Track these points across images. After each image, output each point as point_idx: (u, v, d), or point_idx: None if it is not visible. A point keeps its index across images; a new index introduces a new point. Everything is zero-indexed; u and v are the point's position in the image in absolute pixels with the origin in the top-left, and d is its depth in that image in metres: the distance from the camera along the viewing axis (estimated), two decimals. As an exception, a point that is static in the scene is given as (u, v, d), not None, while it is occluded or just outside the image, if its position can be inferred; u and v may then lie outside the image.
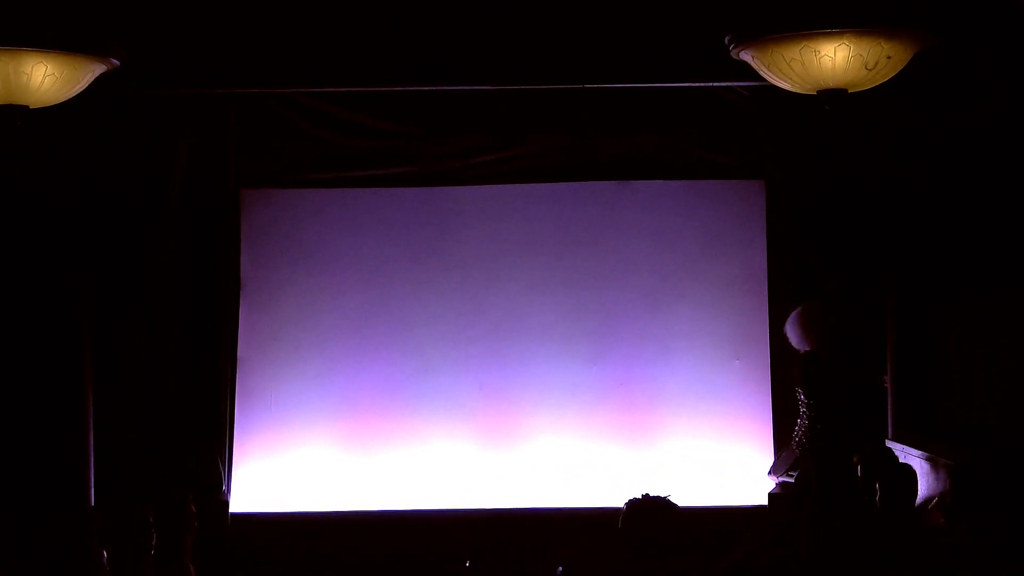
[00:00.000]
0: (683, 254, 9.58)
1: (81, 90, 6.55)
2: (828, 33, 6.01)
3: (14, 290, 8.61)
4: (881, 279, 9.02)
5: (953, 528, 6.68)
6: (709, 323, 9.53)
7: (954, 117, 8.29)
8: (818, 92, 6.24)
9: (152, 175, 8.89)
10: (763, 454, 9.36)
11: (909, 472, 7.00)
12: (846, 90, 6.21)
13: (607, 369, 9.53)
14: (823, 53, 6.04)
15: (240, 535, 9.13)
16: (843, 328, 8.91)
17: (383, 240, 9.59)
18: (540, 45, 7.75)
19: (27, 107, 6.39)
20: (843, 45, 6.01)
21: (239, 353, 9.41)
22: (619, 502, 6.60)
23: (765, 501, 8.80)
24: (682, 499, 6.46)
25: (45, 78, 6.27)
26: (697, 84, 8.48)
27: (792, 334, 8.94)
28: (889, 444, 8.49)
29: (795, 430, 8.90)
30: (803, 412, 8.79)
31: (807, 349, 8.90)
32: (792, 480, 8.71)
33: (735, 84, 8.59)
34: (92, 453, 8.61)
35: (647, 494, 6.40)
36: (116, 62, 6.52)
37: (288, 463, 9.47)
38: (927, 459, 7.94)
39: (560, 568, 6.44)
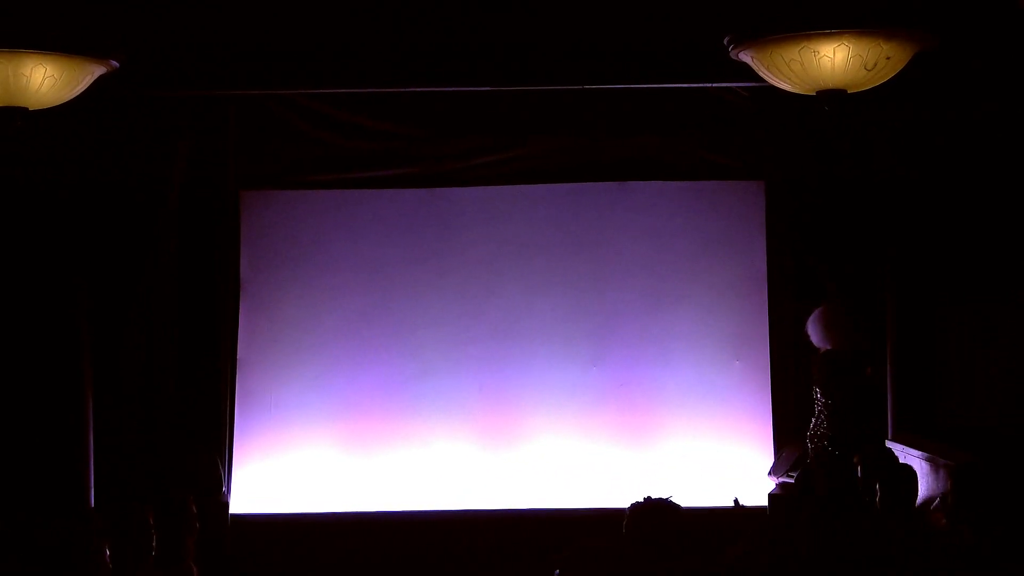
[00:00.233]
0: (683, 255, 9.57)
1: (80, 92, 6.55)
2: (827, 34, 6.01)
3: (14, 291, 8.62)
4: (881, 279, 9.02)
5: (954, 528, 6.68)
6: (709, 324, 9.53)
7: (954, 117, 8.30)
8: (818, 93, 6.24)
9: (151, 177, 8.90)
10: (763, 455, 9.35)
11: (909, 472, 7.00)
12: (845, 91, 6.21)
13: (607, 370, 9.53)
14: (822, 54, 6.04)
15: (240, 536, 9.13)
16: (864, 327, 8.90)
17: (383, 241, 9.59)
18: (540, 46, 7.76)
19: (27, 109, 6.39)
20: (842, 46, 6.01)
21: (239, 354, 9.41)
22: (620, 503, 6.60)
23: (765, 502, 8.79)
24: (682, 500, 6.46)
25: (45, 80, 6.27)
26: (697, 85, 8.49)
27: (814, 332, 8.92)
28: (889, 444, 8.49)
29: (809, 430, 8.85)
30: (819, 411, 8.76)
31: (828, 348, 8.87)
32: (792, 481, 8.71)
33: (735, 85, 8.59)
34: (92, 454, 8.61)
35: (649, 497, 6.40)
36: (115, 64, 6.52)
37: (288, 464, 9.47)
38: (927, 459, 7.93)
39: (557, 572, 6.43)
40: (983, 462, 7.40)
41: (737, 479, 9.35)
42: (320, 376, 9.53)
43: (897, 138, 8.67)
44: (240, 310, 9.45)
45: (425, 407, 9.50)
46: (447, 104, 9.23)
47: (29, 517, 6.68)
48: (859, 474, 7.26)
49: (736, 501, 8.34)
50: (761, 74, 6.37)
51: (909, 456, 8.00)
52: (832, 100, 6.20)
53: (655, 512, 6.31)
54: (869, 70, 6.08)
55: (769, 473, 9.16)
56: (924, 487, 7.48)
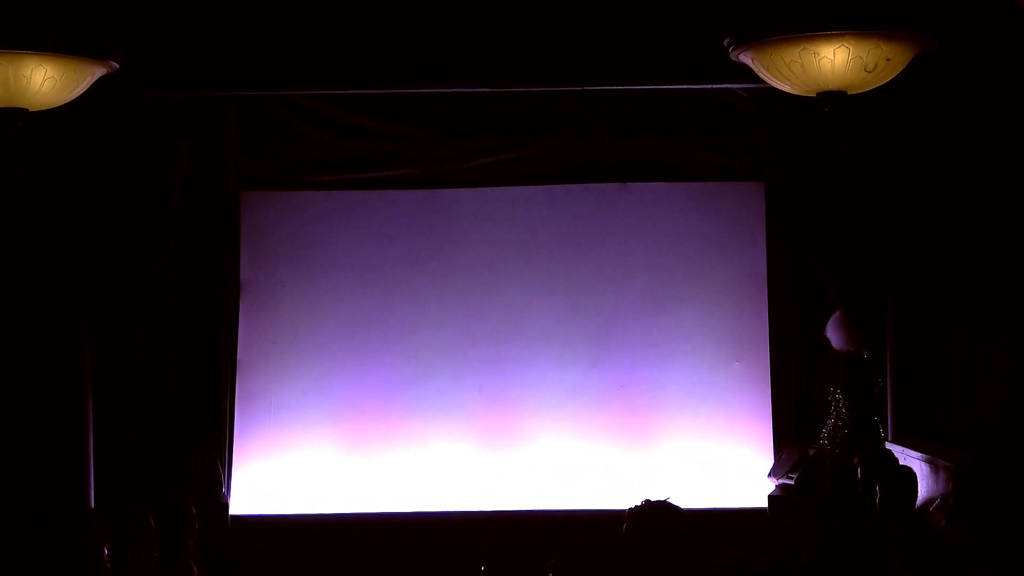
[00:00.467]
0: (683, 256, 9.58)
1: (81, 93, 6.55)
2: (828, 35, 6.00)
3: (14, 292, 8.61)
4: (881, 280, 9.02)
5: (953, 529, 6.68)
6: (709, 325, 9.53)
7: (953, 118, 8.29)
8: (818, 94, 6.23)
9: (152, 177, 8.90)
10: (763, 456, 9.35)
11: (909, 474, 7.00)
12: (846, 92, 6.20)
13: (607, 371, 9.53)
14: (823, 55, 6.03)
15: (240, 537, 9.14)
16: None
17: (383, 242, 9.59)
18: (540, 47, 7.75)
19: (27, 110, 6.38)
20: (843, 47, 6.00)
21: (239, 355, 9.42)
22: (619, 504, 6.60)
23: (765, 503, 8.79)
24: (682, 501, 6.46)
25: (45, 81, 6.26)
26: (697, 86, 8.49)
27: (834, 335, 8.92)
28: (889, 446, 8.49)
29: (825, 432, 8.84)
30: (840, 412, 8.75)
31: (850, 350, 8.87)
32: (792, 482, 8.71)
33: (735, 86, 8.59)
34: (92, 455, 8.61)
35: (648, 500, 6.40)
36: (116, 65, 6.51)
37: (288, 465, 9.47)
38: (927, 461, 7.93)
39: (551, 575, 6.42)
40: (983, 464, 7.40)
41: (737, 480, 9.36)
42: (320, 377, 9.53)
43: (897, 139, 8.67)
44: (240, 310, 9.45)
45: (425, 408, 9.50)
46: (447, 105, 9.23)
47: (29, 517, 6.68)
48: (859, 476, 7.26)
49: None
50: (761, 75, 6.37)
51: (909, 458, 8.00)
52: (832, 102, 6.19)
53: (655, 514, 6.30)
54: (869, 72, 6.07)
55: (769, 474, 9.16)
56: (924, 489, 7.48)
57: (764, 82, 6.48)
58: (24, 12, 6.22)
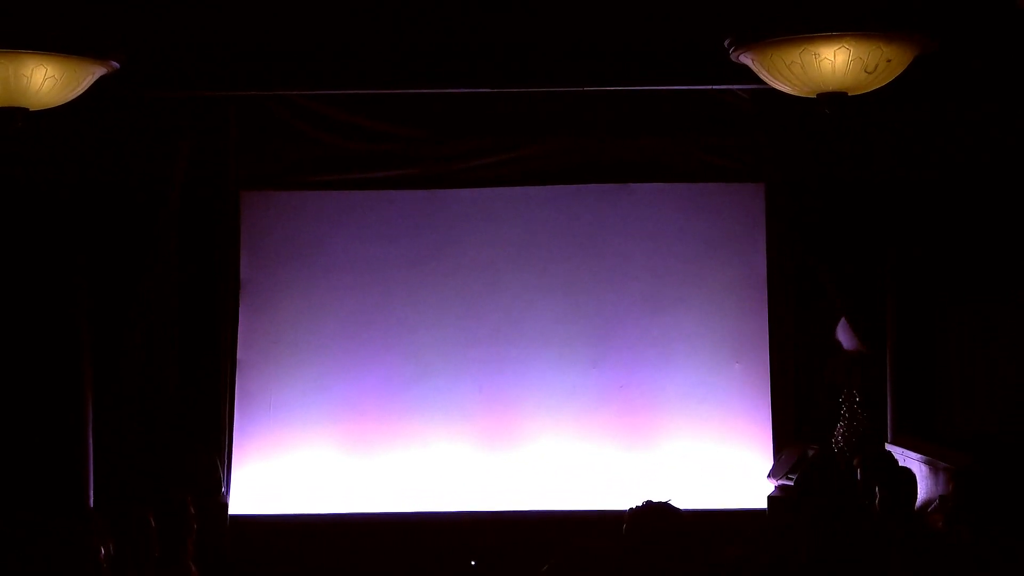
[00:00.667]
0: (683, 257, 9.58)
1: (81, 92, 6.54)
2: (828, 36, 5.99)
3: (14, 291, 8.60)
4: (881, 281, 9.02)
5: (953, 530, 6.67)
6: (709, 326, 9.53)
7: (954, 118, 8.28)
8: (818, 95, 6.23)
9: (152, 177, 8.88)
10: (763, 457, 9.35)
11: (909, 475, 7.00)
12: (846, 93, 6.19)
13: (607, 372, 9.53)
14: (823, 56, 6.02)
15: (239, 537, 9.13)
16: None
17: (383, 242, 9.59)
18: (540, 47, 7.75)
19: (27, 109, 6.38)
20: (843, 48, 6.00)
21: (239, 355, 9.41)
22: (619, 505, 6.59)
23: (764, 504, 8.79)
24: (681, 502, 6.45)
25: (45, 80, 6.26)
26: (697, 87, 8.49)
27: (845, 337, 8.93)
28: (888, 447, 8.49)
29: (838, 434, 8.83)
30: (856, 413, 8.74)
31: (862, 351, 8.86)
32: (791, 483, 8.70)
33: (735, 87, 8.59)
34: (91, 454, 8.60)
35: (649, 501, 6.39)
36: (116, 64, 6.51)
37: (287, 465, 9.47)
38: (926, 462, 7.93)
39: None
40: (982, 465, 7.40)
41: (736, 481, 9.36)
42: (320, 377, 9.53)
43: (897, 139, 8.67)
44: (240, 310, 9.45)
45: (425, 408, 9.50)
46: (447, 105, 9.23)
47: (29, 517, 6.67)
48: (859, 477, 7.26)
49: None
50: (761, 76, 6.36)
51: (908, 459, 8.00)
52: (832, 103, 6.19)
53: (654, 515, 6.29)
54: (870, 73, 6.07)
55: (768, 475, 9.15)
56: (923, 490, 7.48)
57: (764, 83, 6.48)
58: (24, 11, 6.22)
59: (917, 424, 8.79)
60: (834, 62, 6.03)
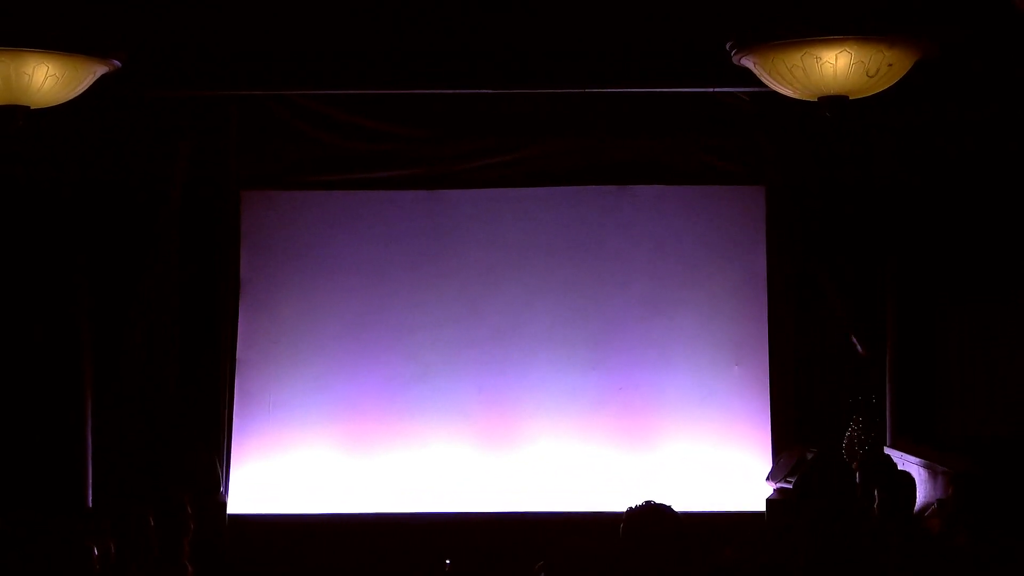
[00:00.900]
0: (683, 259, 9.58)
1: (82, 91, 6.55)
2: (830, 40, 6.00)
3: (15, 290, 8.61)
4: (881, 283, 9.02)
5: (951, 534, 6.68)
6: (709, 328, 9.53)
7: (954, 120, 8.29)
8: (819, 99, 6.23)
9: (153, 176, 8.89)
10: (761, 459, 9.35)
11: (908, 479, 6.99)
12: (847, 97, 6.19)
13: (606, 374, 9.52)
14: (824, 60, 6.02)
15: (238, 536, 9.13)
16: None
17: (383, 242, 9.59)
18: (541, 49, 7.75)
19: (28, 108, 6.38)
20: (844, 52, 6.00)
21: (238, 354, 9.41)
22: (618, 506, 6.58)
23: (763, 507, 8.78)
24: (680, 504, 6.45)
25: (46, 79, 6.26)
26: (698, 89, 8.48)
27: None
28: (888, 451, 8.49)
29: (849, 437, 8.83)
30: (872, 417, 8.75)
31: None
32: (790, 486, 8.70)
33: (736, 89, 8.58)
34: (91, 453, 8.61)
35: (649, 501, 6.39)
36: (117, 63, 6.52)
37: (286, 465, 9.47)
38: (925, 466, 7.93)
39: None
40: (981, 469, 7.40)
41: (735, 483, 9.36)
42: (319, 376, 9.53)
43: (897, 141, 8.67)
44: (240, 310, 9.45)
45: (424, 409, 9.50)
46: (448, 105, 9.23)
47: (29, 517, 6.68)
48: (858, 480, 7.26)
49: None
50: (763, 79, 6.37)
51: (907, 463, 8.00)
52: (834, 106, 6.19)
53: (651, 516, 6.29)
54: (871, 76, 6.07)
55: (767, 478, 9.15)
56: (922, 494, 7.48)
57: (765, 86, 6.48)
58: (26, 10, 6.22)
59: (917, 428, 8.79)
60: (835, 66, 6.03)
